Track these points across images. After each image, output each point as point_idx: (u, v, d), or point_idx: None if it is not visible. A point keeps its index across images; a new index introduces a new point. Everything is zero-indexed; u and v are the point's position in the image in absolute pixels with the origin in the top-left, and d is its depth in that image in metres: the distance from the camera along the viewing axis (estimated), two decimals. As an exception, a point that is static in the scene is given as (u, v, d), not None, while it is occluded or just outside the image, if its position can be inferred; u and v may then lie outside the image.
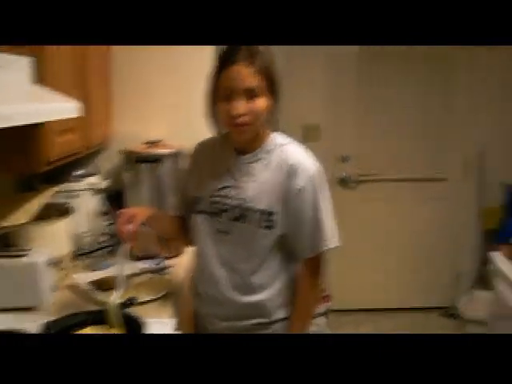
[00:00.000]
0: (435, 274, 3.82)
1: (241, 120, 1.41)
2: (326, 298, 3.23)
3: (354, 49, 3.51)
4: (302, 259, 1.55)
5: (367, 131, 3.66)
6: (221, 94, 1.42)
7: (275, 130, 1.56)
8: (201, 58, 2.42)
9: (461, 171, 3.75)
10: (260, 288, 1.52)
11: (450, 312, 3.73)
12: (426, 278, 3.82)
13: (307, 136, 3.43)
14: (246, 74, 1.39)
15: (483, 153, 3.70)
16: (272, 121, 1.51)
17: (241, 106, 1.39)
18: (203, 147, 1.66)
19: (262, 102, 1.42)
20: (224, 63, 1.41)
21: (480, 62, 3.59)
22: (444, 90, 3.66)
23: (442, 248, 3.81)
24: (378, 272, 3.80)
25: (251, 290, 1.52)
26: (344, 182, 3.72)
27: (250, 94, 1.39)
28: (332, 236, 1.52)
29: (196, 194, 1.58)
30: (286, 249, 1.54)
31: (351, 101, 3.63)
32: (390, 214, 3.78)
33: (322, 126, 3.63)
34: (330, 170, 3.39)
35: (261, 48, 1.43)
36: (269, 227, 1.48)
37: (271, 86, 1.44)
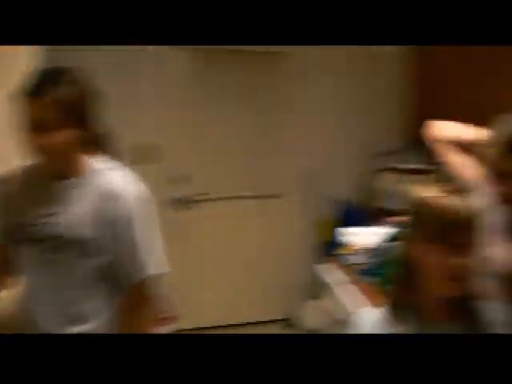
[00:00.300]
0: (277, 287, 3.98)
1: (40, 152, 1.39)
2: (171, 319, 3.20)
3: (186, 64, 3.57)
4: (127, 286, 1.52)
5: (204, 149, 3.69)
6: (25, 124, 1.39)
7: (105, 152, 1.52)
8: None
9: (295, 186, 3.95)
10: (86, 318, 1.46)
11: (290, 323, 3.91)
12: (270, 292, 3.96)
13: (143, 157, 3.36)
14: (37, 108, 1.36)
15: (317, 168, 3.96)
16: (91, 147, 1.47)
17: (36, 140, 1.37)
18: (17, 174, 1.56)
19: (58, 136, 1.38)
20: (24, 95, 1.38)
21: (312, 78, 3.87)
22: (276, 105, 3.84)
23: (283, 262, 3.97)
24: (226, 288, 3.84)
25: (77, 320, 1.46)
26: (182, 202, 3.73)
27: (44, 128, 1.36)
28: (156, 262, 1.51)
29: (16, 221, 1.49)
30: (113, 278, 1.50)
31: (187, 118, 3.64)
32: (231, 231, 3.85)
33: (158, 146, 3.56)
34: (167, 191, 3.36)
35: (66, 78, 1.40)
36: (86, 256, 1.43)
37: (73, 118, 1.40)
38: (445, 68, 3.75)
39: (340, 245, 2.53)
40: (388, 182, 3.83)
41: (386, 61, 4.11)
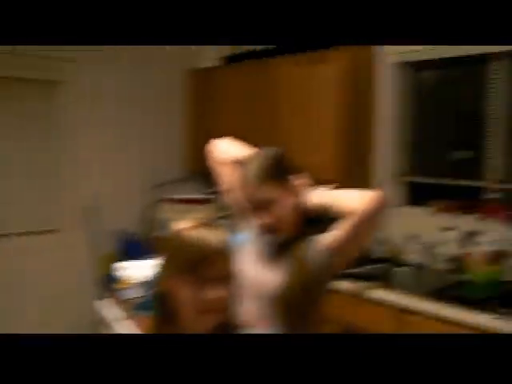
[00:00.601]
0: (60, 324, 3.77)
1: None
2: None
3: None
4: None
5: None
6: None
7: None
8: None
9: (75, 220, 3.83)
10: None
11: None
12: (52, 330, 3.73)
13: None
14: None
15: (98, 198, 3.88)
16: None
17: None
18: None
19: None
20: None
21: (90, 106, 3.80)
22: (53, 133, 3.74)
23: (65, 299, 3.80)
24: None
25: None
26: None
27: None
28: None
29: None
30: None
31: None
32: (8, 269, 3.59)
33: None
34: None
35: None
36: None
37: None
38: (222, 96, 3.98)
39: (116, 279, 2.49)
40: (166, 212, 3.91)
41: (168, 87, 4.24)
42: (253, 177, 1.59)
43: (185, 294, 1.20)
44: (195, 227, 1.26)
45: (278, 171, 1.63)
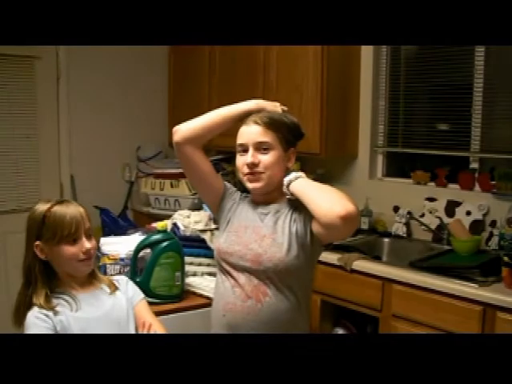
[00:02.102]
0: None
1: None
2: None
3: None
4: None
5: None
6: None
7: None
8: None
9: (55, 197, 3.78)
10: None
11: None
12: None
13: None
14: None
15: (74, 176, 3.84)
16: None
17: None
18: None
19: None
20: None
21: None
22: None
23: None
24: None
25: None
26: None
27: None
28: None
29: None
30: None
31: None
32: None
33: None
34: None
35: None
36: None
37: None
38: (204, 71, 3.92)
39: (98, 255, 2.45)
40: (147, 187, 3.87)
41: (151, 63, 4.17)
42: (268, 117, 1.67)
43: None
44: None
45: (288, 133, 1.71)
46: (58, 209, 1.58)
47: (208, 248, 2.36)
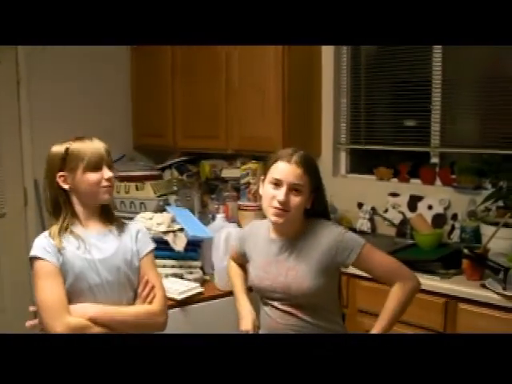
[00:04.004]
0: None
1: None
2: None
3: None
4: None
5: None
6: None
7: None
8: None
9: (21, 204, 3.72)
10: None
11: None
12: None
13: None
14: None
15: (38, 181, 3.77)
16: None
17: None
18: None
19: None
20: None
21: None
22: None
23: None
24: None
25: None
26: None
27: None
28: None
29: None
30: None
31: None
32: None
33: None
34: None
35: None
36: None
37: None
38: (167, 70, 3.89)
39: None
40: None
41: (115, 61, 4.11)
42: (306, 161, 1.77)
43: None
44: None
45: (316, 180, 1.81)
46: (79, 143, 1.68)
47: (171, 250, 2.36)
